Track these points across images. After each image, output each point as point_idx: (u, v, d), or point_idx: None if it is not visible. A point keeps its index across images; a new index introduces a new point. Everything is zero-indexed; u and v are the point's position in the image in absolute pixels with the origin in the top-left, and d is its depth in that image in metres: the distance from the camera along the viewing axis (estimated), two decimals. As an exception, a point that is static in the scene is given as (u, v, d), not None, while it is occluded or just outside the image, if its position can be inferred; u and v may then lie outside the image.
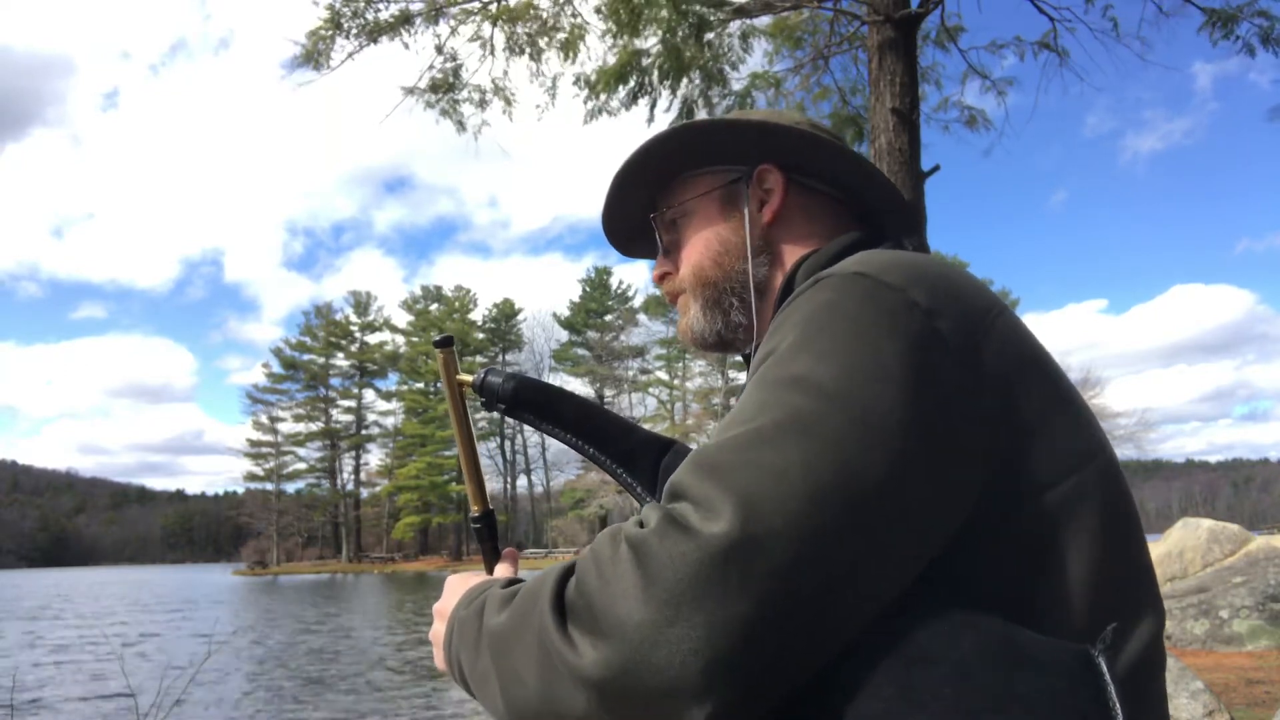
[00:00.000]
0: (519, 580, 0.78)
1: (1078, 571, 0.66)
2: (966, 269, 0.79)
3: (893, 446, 0.60)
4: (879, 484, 0.59)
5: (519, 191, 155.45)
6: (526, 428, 1.01)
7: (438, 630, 0.84)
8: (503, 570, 0.95)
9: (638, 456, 0.99)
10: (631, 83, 7.24)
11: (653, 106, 7.43)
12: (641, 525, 0.61)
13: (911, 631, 0.58)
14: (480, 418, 67.85)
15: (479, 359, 69.95)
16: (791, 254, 0.92)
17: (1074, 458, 0.68)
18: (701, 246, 0.95)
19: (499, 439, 69.91)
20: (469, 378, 0.99)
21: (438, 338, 0.99)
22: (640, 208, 1.01)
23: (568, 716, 0.60)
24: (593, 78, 7.39)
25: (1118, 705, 0.56)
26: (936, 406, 0.62)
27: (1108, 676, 0.57)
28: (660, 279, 1.00)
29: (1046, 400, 0.69)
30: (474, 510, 1.00)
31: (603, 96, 7.39)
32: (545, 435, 0.98)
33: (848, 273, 0.70)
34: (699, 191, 0.96)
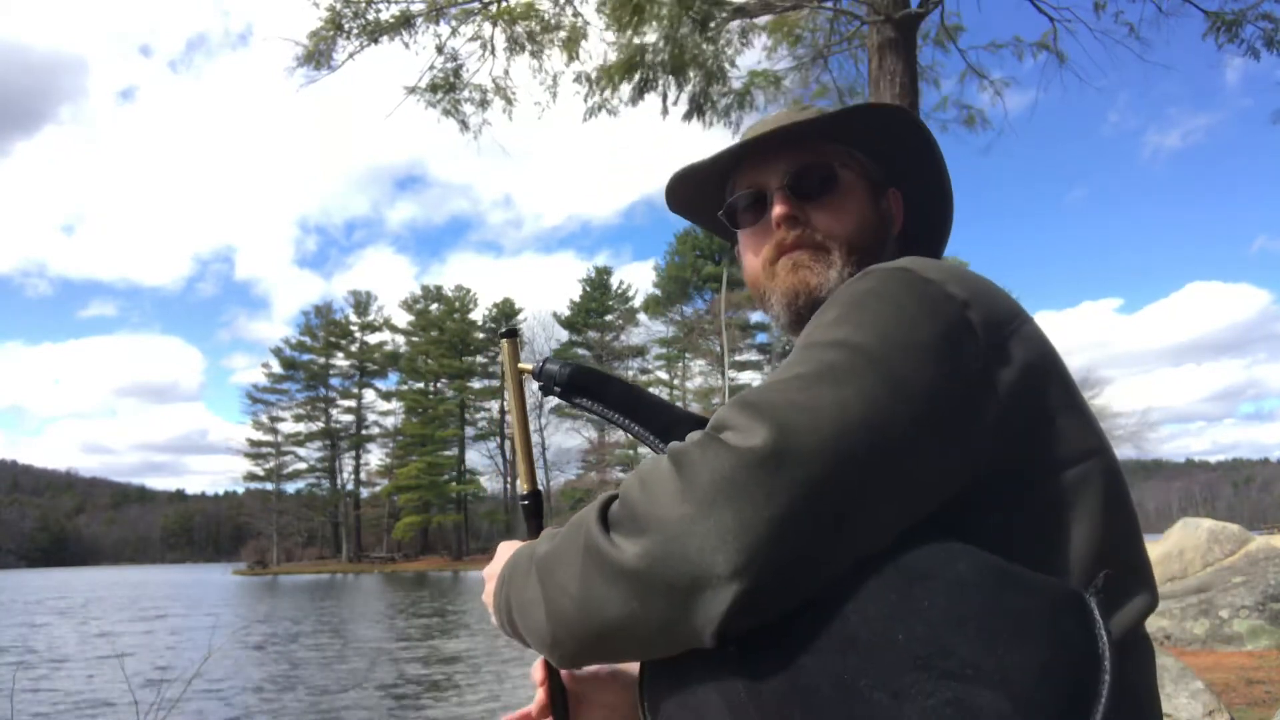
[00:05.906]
0: None
1: (1079, 546, 0.71)
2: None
3: (918, 406, 0.66)
4: (901, 433, 0.65)
5: (532, 190, 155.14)
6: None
7: (489, 590, 0.89)
8: None
9: (675, 430, 1.04)
10: (637, 76, 7.23)
11: (664, 99, 7.45)
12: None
13: (913, 553, 0.64)
14: (479, 417, 67.89)
15: (479, 359, 70.11)
16: None
17: (1082, 450, 0.74)
18: (858, 218, 1.00)
19: (499, 439, 69.89)
20: (529, 366, 1.06)
21: (504, 329, 1.10)
22: (788, 160, 1.00)
23: (604, 617, 0.66)
24: (594, 75, 7.38)
25: (1105, 641, 0.60)
26: (963, 382, 0.69)
27: (1097, 615, 0.61)
28: (789, 220, 0.99)
29: (1061, 400, 0.75)
30: (523, 489, 1.08)
31: (605, 93, 7.39)
32: (594, 416, 1.05)
33: (891, 267, 0.77)
34: (855, 170, 1.01)
